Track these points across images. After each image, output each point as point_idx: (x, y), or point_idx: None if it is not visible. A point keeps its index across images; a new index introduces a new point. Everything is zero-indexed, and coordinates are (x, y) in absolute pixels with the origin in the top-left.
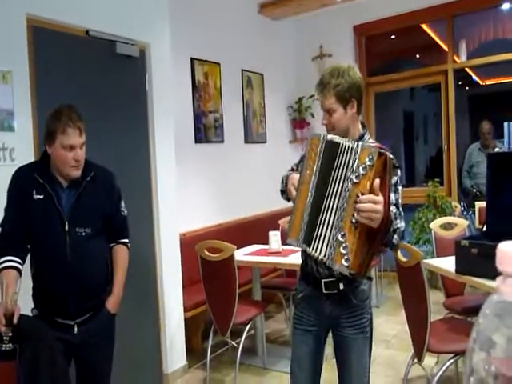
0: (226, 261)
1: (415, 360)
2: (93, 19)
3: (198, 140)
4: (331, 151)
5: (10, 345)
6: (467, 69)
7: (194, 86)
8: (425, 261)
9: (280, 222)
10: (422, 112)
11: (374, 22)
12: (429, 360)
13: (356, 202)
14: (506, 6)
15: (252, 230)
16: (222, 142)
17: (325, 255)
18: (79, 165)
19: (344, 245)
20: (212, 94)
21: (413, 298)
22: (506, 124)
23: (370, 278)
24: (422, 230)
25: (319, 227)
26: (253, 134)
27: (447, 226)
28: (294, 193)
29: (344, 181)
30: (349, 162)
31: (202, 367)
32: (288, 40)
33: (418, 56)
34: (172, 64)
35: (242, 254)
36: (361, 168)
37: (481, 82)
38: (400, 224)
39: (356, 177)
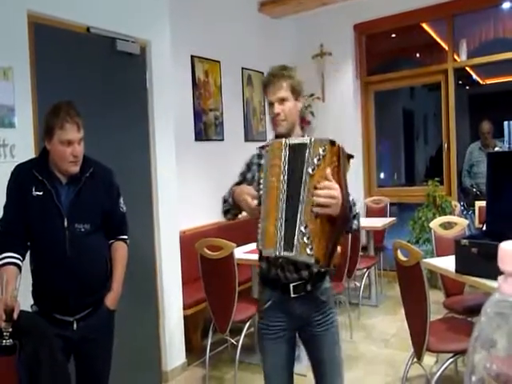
0: (226, 259)
1: (414, 359)
2: (93, 16)
3: (198, 138)
4: (295, 154)
5: (11, 340)
6: (467, 68)
7: (195, 84)
8: (424, 260)
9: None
10: (422, 111)
11: (374, 20)
12: (428, 359)
13: (314, 190)
14: (506, 5)
15: (252, 228)
16: (222, 139)
17: (293, 251)
18: (77, 160)
19: (307, 235)
20: (212, 91)
21: (412, 297)
22: (506, 123)
23: (334, 267)
24: (421, 230)
25: (297, 229)
26: (253, 132)
27: (447, 226)
28: (251, 202)
29: (304, 176)
30: (305, 157)
31: (202, 365)
32: (288, 38)
33: (418, 55)
34: (172, 61)
35: (241, 252)
36: (315, 159)
37: (481, 82)
38: (357, 210)
39: (312, 169)
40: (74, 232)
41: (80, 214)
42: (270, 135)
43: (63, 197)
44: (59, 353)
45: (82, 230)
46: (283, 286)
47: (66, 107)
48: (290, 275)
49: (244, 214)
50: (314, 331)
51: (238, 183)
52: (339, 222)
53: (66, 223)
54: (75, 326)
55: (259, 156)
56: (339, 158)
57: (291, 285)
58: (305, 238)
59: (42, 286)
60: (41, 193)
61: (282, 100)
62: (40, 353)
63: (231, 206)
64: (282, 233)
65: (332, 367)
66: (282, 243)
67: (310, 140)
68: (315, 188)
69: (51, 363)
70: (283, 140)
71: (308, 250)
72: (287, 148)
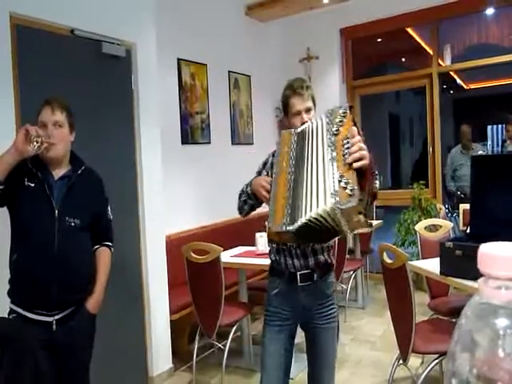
0: (212, 263)
1: (400, 361)
2: (78, 18)
3: (184, 141)
4: (303, 136)
5: None
6: (452, 73)
7: (181, 87)
8: (410, 262)
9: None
10: (407, 115)
11: (360, 25)
12: (414, 361)
13: (343, 146)
14: (490, 12)
15: (239, 232)
16: (209, 143)
17: (323, 204)
18: (48, 141)
19: (345, 181)
20: (199, 95)
21: (398, 299)
22: (489, 127)
23: (370, 225)
24: (407, 232)
25: (304, 196)
26: (240, 135)
27: (432, 228)
28: (264, 193)
29: (325, 139)
30: (323, 125)
31: (188, 370)
32: (275, 42)
33: (403, 59)
34: (158, 64)
35: (228, 256)
36: (337, 119)
37: (465, 86)
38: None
39: (336, 130)
40: (64, 225)
41: (71, 209)
42: (257, 138)
43: (55, 190)
44: (43, 361)
45: (72, 224)
46: (290, 275)
47: (54, 97)
48: (298, 262)
49: (232, 216)
50: (316, 324)
51: (260, 172)
52: (369, 173)
53: (56, 215)
54: (54, 326)
55: (274, 154)
56: (354, 122)
57: (298, 273)
58: (343, 184)
59: (23, 276)
60: (33, 184)
61: (309, 110)
62: (23, 362)
63: (248, 196)
64: (290, 208)
65: (330, 362)
66: (289, 217)
67: (329, 111)
68: (343, 142)
69: (35, 373)
70: (292, 129)
71: (349, 191)
72: (296, 136)
